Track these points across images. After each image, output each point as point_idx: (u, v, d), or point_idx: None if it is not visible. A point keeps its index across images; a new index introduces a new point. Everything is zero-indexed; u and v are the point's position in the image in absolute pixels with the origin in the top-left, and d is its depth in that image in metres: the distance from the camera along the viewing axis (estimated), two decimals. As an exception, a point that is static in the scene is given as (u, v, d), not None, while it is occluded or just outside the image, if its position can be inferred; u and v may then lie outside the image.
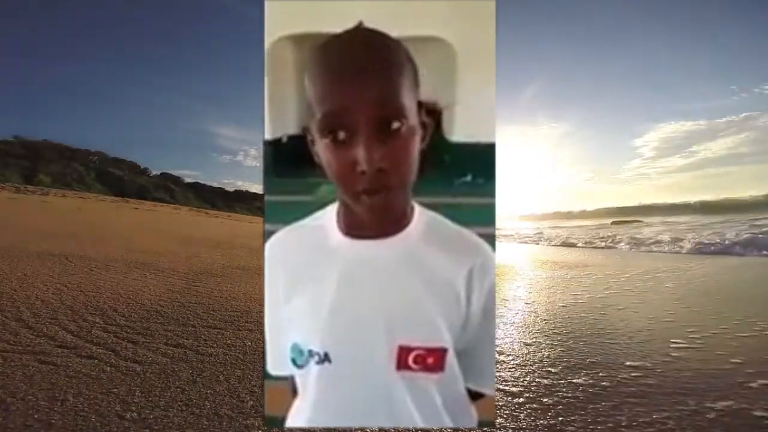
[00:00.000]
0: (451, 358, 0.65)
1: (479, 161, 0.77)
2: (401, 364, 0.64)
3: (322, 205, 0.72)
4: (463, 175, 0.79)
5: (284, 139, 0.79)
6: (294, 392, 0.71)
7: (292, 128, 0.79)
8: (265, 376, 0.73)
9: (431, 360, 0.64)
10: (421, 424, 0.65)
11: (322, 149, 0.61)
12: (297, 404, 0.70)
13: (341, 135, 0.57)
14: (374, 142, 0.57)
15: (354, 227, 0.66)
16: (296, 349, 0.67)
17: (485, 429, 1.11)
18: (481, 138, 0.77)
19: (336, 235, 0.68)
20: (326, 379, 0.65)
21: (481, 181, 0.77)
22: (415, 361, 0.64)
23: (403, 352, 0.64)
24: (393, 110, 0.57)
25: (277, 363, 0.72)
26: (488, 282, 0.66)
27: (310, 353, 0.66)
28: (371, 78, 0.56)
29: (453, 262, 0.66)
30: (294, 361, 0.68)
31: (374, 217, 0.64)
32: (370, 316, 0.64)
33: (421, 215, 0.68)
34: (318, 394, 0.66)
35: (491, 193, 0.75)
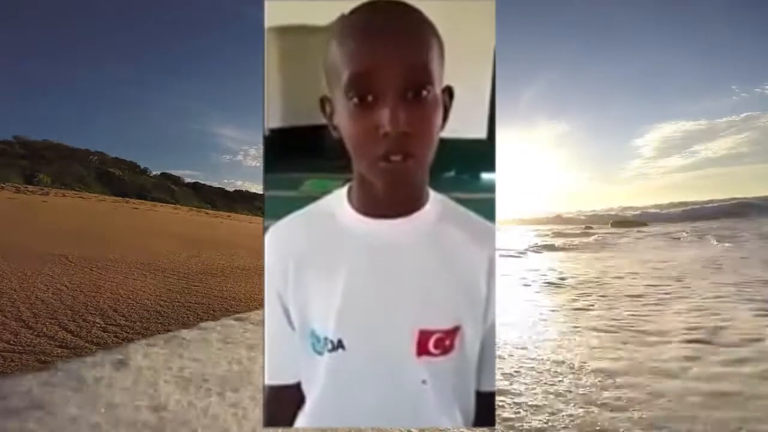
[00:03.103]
0: (464, 337, 0.64)
1: (479, 157, 0.77)
2: (422, 350, 0.62)
3: (315, 201, 0.69)
4: (463, 170, 0.80)
5: (285, 134, 0.79)
6: (298, 400, 0.68)
7: (291, 121, 0.80)
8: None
9: (448, 342, 0.62)
10: (438, 413, 0.63)
11: (343, 114, 0.59)
12: (307, 403, 0.68)
13: (367, 96, 0.56)
14: (401, 104, 0.56)
15: (369, 204, 0.63)
16: (314, 335, 0.64)
17: (485, 429, 1.11)
18: (481, 135, 0.77)
19: (348, 215, 0.64)
20: (339, 367, 0.63)
21: (481, 176, 0.78)
22: (436, 346, 0.62)
23: (424, 336, 0.62)
24: (423, 75, 0.56)
25: (276, 372, 0.69)
26: (495, 272, 0.66)
27: (325, 340, 0.63)
28: (405, 40, 0.55)
29: (476, 246, 0.64)
30: (314, 347, 0.65)
31: (390, 188, 0.61)
32: (388, 300, 0.62)
33: (435, 197, 0.66)
34: (329, 384, 0.64)
35: (491, 189, 0.75)
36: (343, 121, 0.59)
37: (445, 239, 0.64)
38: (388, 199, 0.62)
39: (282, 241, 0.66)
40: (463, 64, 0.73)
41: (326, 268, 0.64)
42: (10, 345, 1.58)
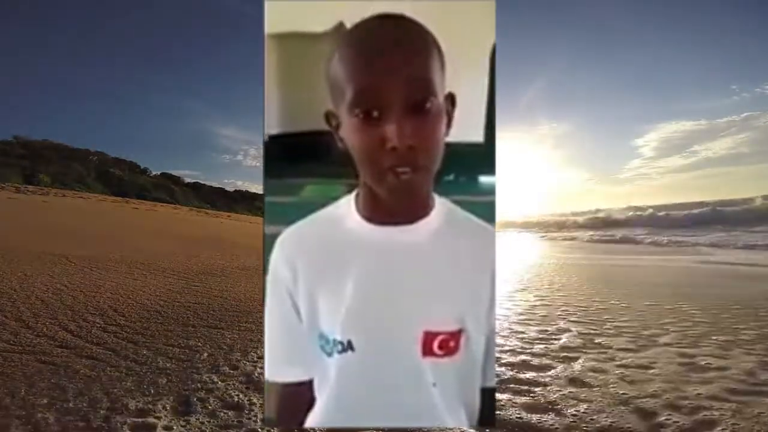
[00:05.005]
0: (469, 339, 0.65)
1: (480, 159, 0.78)
2: (427, 351, 0.64)
3: (316, 206, 0.70)
4: (463, 172, 0.80)
5: (285, 139, 0.79)
6: (310, 398, 0.69)
7: (291, 126, 0.80)
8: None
9: (453, 344, 0.64)
10: (444, 412, 0.65)
11: (349, 129, 0.60)
12: (318, 403, 0.69)
13: (373, 112, 0.57)
14: (406, 118, 0.57)
15: (376, 212, 0.65)
16: (323, 337, 0.66)
17: (485, 429, 1.11)
18: (482, 137, 0.77)
19: (356, 222, 0.66)
20: (349, 367, 0.65)
21: (481, 179, 0.78)
22: (440, 347, 0.64)
23: (429, 337, 0.63)
24: (426, 88, 0.58)
25: (277, 368, 0.69)
26: (496, 275, 0.68)
27: (334, 342, 0.65)
28: (407, 55, 0.57)
29: (479, 250, 0.66)
30: (323, 349, 0.67)
31: (398, 200, 0.63)
32: (395, 302, 0.64)
33: (440, 202, 0.68)
34: (340, 385, 0.66)
35: (491, 191, 0.75)
36: (350, 135, 0.61)
37: (449, 244, 0.66)
38: (395, 208, 0.64)
39: (292, 244, 0.69)
40: (464, 66, 0.73)
41: (334, 272, 0.66)
42: (10, 345, 1.58)
